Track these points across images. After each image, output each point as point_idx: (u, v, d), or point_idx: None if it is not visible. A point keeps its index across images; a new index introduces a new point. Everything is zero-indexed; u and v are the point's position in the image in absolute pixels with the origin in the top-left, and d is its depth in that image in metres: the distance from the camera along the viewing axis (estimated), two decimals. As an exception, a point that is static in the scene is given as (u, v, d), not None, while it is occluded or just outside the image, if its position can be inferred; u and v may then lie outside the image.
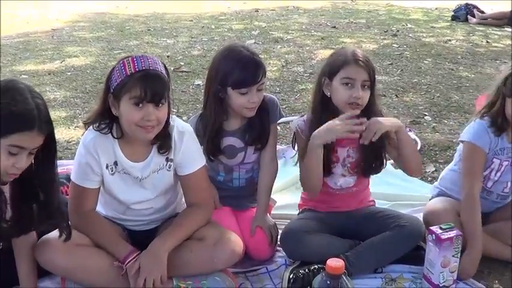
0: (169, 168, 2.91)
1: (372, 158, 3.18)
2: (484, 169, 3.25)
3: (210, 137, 3.17)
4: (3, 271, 2.69)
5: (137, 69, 2.64)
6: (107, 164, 2.82)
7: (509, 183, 3.32)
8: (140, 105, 2.64)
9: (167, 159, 2.89)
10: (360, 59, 3.04)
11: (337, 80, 3.06)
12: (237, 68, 3.05)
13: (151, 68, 2.67)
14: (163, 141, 2.83)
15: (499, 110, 3.16)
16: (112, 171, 2.84)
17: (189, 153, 2.90)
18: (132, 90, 2.62)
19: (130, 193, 2.91)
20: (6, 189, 2.50)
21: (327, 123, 2.98)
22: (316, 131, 3.00)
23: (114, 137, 2.79)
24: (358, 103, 3.03)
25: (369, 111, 3.08)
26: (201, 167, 2.96)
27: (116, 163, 2.84)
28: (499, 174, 3.28)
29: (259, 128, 3.22)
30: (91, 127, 2.80)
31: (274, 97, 3.33)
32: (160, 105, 2.68)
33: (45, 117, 2.38)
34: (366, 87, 3.05)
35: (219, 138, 3.21)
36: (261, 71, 3.08)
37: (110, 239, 2.82)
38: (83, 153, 2.80)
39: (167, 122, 2.79)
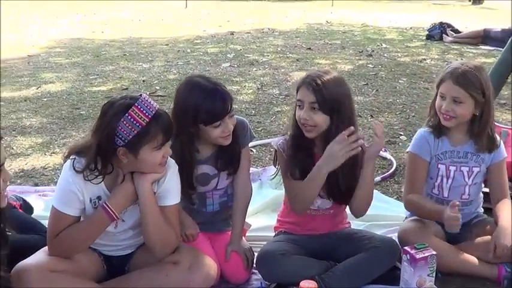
0: None
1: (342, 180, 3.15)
2: (435, 178, 3.35)
3: (183, 170, 3.06)
4: None
5: (150, 117, 2.66)
6: (90, 198, 2.79)
7: (466, 189, 3.37)
8: (162, 147, 2.72)
9: None
10: (310, 82, 3.05)
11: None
12: (204, 104, 2.99)
13: (156, 107, 2.71)
14: None
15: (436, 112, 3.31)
16: (95, 205, 2.80)
17: (169, 187, 2.89)
18: (155, 139, 2.68)
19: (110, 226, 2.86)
20: None
21: (327, 149, 3.00)
22: (320, 160, 3.03)
23: (107, 174, 2.76)
24: (307, 124, 3.05)
25: (328, 136, 3.07)
26: (175, 204, 2.93)
27: (99, 198, 2.80)
28: (450, 180, 3.35)
29: (231, 153, 3.20)
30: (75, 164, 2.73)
31: (243, 119, 3.31)
32: None
33: None
34: (314, 109, 3.04)
35: (192, 169, 3.17)
36: (228, 100, 3.04)
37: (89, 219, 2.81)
38: (69, 181, 2.74)
39: None
